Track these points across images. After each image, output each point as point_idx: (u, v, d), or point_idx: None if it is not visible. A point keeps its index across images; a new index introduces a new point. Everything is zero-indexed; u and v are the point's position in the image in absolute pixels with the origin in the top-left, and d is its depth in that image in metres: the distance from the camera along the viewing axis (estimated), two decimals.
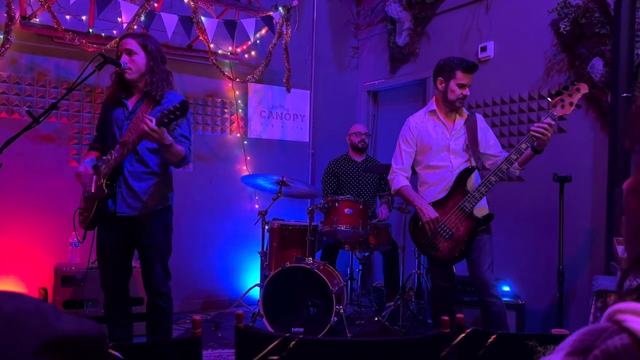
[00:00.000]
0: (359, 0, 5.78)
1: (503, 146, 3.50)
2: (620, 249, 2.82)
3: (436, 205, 2.96)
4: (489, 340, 1.46)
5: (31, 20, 3.89)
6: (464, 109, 3.09)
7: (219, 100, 4.90)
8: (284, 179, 4.04)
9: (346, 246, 4.23)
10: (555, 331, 1.60)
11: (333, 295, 3.56)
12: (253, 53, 4.98)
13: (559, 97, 2.74)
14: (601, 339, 0.53)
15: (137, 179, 2.74)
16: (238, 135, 5.00)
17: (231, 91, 4.96)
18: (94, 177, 2.75)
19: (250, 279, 4.88)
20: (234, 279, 4.93)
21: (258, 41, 4.86)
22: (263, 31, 4.74)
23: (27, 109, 3.69)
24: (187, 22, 4.13)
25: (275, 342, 1.37)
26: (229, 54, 4.80)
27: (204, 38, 4.26)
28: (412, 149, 3.12)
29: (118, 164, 2.68)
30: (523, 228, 4.04)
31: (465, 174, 2.94)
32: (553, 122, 2.72)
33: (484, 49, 4.37)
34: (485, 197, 2.94)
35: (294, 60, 4.83)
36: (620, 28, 3.25)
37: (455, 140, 3.02)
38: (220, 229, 4.88)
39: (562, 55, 3.82)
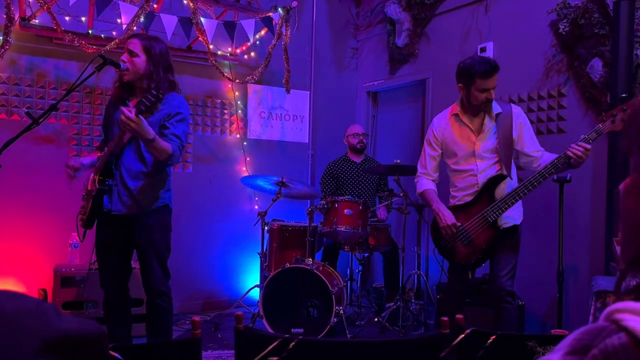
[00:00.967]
0: (358, 1, 5.78)
1: None
2: (619, 250, 2.82)
3: (460, 208, 2.89)
4: (489, 341, 1.46)
5: (30, 22, 3.89)
6: (496, 104, 2.91)
7: (219, 101, 4.90)
8: (284, 179, 4.04)
9: (346, 247, 4.23)
10: (554, 332, 1.60)
11: (333, 296, 3.56)
12: (252, 54, 4.98)
13: (611, 112, 2.56)
14: (599, 338, 0.53)
15: (134, 177, 2.72)
16: (238, 136, 5.00)
17: (231, 92, 4.96)
18: (91, 175, 2.76)
19: (250, 280, 4.88)
20: (233, 280, 4.93)
21: (257, 42, 4.86)
22: (262, 32, 4.74)
23: (26, 110, 3.70)
24: (187, 23, 4.13)
25: (275, 343, 1.37)
26: (228, 55, 4.80)
27: (203, 39, 4.26)
28: (436, 152, 3.04)
29: (108, 158, 2.66)
30: (523, 228, 4.03)
31: (495, 181, 2.82)
32: (589, 147, 2.58)
33: (483, 50, 4.37)
34: (518, 205, 2.85)
35: (293, 61, 4.84)
36: (620, 28, 3.25)
37: (483, 143, 2.88)
38: (220, 229, 4.88)
39: (561, 56, 3.82)
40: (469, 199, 2.89)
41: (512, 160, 2.90)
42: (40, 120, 2.54)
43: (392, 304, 4.13)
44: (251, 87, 5.08)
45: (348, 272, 4.66)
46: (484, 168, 2.88)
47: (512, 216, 2.87)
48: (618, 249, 2.82)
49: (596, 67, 3.53)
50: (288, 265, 3.72)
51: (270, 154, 5.20)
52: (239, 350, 1.47)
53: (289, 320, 3.63)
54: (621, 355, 0.51)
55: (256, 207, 5.00)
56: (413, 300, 4.24)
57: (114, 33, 4.16)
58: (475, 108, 2.88)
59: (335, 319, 3.58)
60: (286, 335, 1.39)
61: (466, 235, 2.85)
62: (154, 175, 2.77)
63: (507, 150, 2.84)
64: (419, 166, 3.14)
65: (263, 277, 4.18)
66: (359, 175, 4.69)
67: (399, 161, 3.93)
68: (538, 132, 3.79)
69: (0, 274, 3.91)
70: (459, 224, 2.86)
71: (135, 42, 2.70)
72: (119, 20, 4.04)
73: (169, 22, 4.04)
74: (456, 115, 2.95)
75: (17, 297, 0.63)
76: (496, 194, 2.81)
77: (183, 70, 4.67)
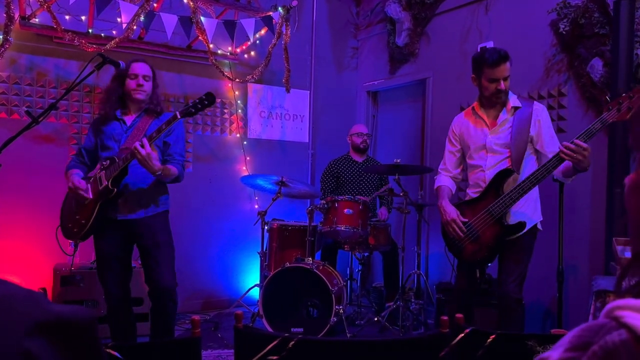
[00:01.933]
0: (358, 1, 5.78)
1: None
2: (619, 249, 2.82)
3: (467, 204, 2.85)
4: (488, 340, 1.46)
5: (30, 21, 3.89)
6: (515, 99, 2.83)
7: (219, 100, 4.89)
8: (284, 179, 4.04)
9: (346, 246, 4.23)
10: (554, 331, 1.60)
11: (333, 296, 3.56)
12: (252, 53, 4.98)
13: (617, 100, 2.44)
14: (600, 335, 0.53)
15: (142, 182, 2.82)
16: (237, 135, 5.00)
17: (231, 91, 4.96)
18: (88, 186, 2.78)
19: (250, 279, 4.88)
20: (233, 279, 4.93)
21: (257, 41, 4.85)
22: (262, 31, 4.74)
23: (26, 109, 3.70)
24: (187, 23, 4.12)
25: (275, 343, 1.37)
26: (228, 54, 4.80)
27: (203, 38, 4.26)
28: (455, 147, 3.01)
29: (125, 165, 2.72)
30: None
31: (502, 175, 2.74)
32: (585, 146, 2.44)
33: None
34: (532, 204, 2.79)
35: (293, 61, 4.83)
36: (620, 28, 3.25)
37: (495, 136, 2.82)
38: (220, 229, 4.87)
39: (561, 56, 3.82)
40: (475, 195, 2.86)
41: (526, 158, 2.79)
42: (40, 119, 2.54)
43: (391, 303, 4.13)
44: (251, 87, 5.07)
45: (348, 272, 4.66)
46: (493, 164, 2.81)
47: (523, 213, 2.77)
48: (618, 248, 2.82)
49: (596, 66, 3.53)
50: (288, 264, 3.72)
51: (270, 154, 5.19)
52: (238, 350, 1.47)
53: (288, 320, 3.63)
54: (622, 352, 0.51)
55: (256, 206, 5.00)
56: (413, 300, 4.24)
57: (114, 32, 4.16)
58: (488, 100, 2.84)
59: (335, 319, 3.58)
60: (286, 335, 1.39)
61: (473, 232, 2.79)
62: (158, 181, 2.87)
63: (520, 146, 2.75)
64: (440, 163, 3.12)
65: (263, 276, 4.18)
66: (360, 174, 4.69)
67: (398, 161, 3.92)
68: None
69: (1, 272, 3.91)
70: (465, 219, 2.80)
71: (145, 66, 2.91)
72: (119, 20, 4.04)
73: (169, 21, 4.04)
74: (473, 108, 2.94)
75: (8, 284, 0.63)
76: (504, 189, 2.74)
77: (183, 69, 4.68)
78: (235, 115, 4.99)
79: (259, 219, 4.21)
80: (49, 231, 4.06)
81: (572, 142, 2.47)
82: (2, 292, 0.61)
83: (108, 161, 2.75)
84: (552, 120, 3.82)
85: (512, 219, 2.75)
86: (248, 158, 5.01)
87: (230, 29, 4.36)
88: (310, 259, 3.85)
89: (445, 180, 3.03)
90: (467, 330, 1.49)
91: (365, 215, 4.00)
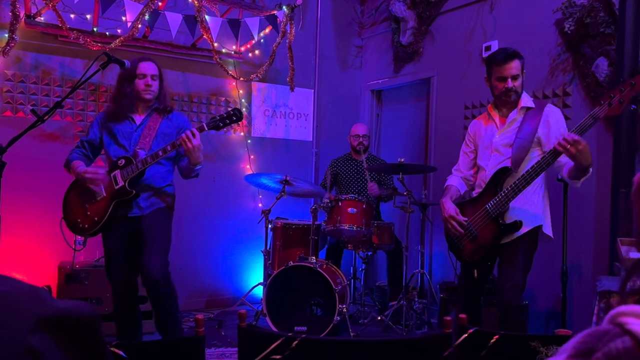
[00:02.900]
0: None
1: None
2: (624, 249, 2.81)
3: (468, 203, 2.84)
4: (492, 341, 1.46)
5: (36, 19, 3.90)
6: (528, 100, 2.79)
7: (223, 99, 4.90)
8: (288, 178, 4.04)
9: (349, 245, 4.23)
10: (558, 332, 1.59)
11: (336, 295, 3.56)
12: (257, 52, 4.98)
13: (608, 94, 2.41)
14: (603, 342, 0.53)
15: (158, 183, 2.87)
16: (242, 134, 5.01)
17: (235, 90, 4.96)
18: (105, 179, 2.78)
19: (254, 278, 4.89)
20: (237, 278, 4.94)
21: (262, 40, 4.86)
22: (267, 30, 4.74)
23: (31, 108, 3.72)
24: (191, 21, 4.13)
25: (278, 342, 1.37)
26: (232, 52, 4.80)
27: (208, 37, 4.26)
28: (469, 148, 3.00)
29: (145, 168, 2.75)
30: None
31: (500, 174, 2.72)
32: (577, 138, 2.35)
33: (488, 49, 4.36)
34: (534, 205, 2.73)
35: (297, 60, 4.83)
36: (625, 28, 3.24)
37: (502, 136, 2.79)
38: (224, 227, 4.88)
39: (566, 55, 3.81)
40: (477, 195, 2.86)
41: (530, 160, 2.71)
42: (45, 118, 2.55)
43: (395, 302, 4.13)
44: (255, 85, 5.08)
45: (351, 271, 4.66)
46: (495, 164, 2.79)
47: (522, 210, 2.71)
48: (623, 248, 2.80)
49: (601, 66, 3.52)
50: (291, 263, 3.72)
51: (274, 152, 5.20)
52: (242, 348, 1.48)
53: (292, 318, 3.64)
54: (625, 359, 0.51)
55: (260, 205, 5.00)
56: (416, 299, 4.24)
57: (118, 31, 4.17)
58: (499, 99, 2.82)
59: (338, 318, 3.58)
60: (289, 334, 1.40)
61: (471, 231, 2.77)
62: (167, 175, 2.93)
63: (523, 145, 2.71)
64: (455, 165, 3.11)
65: (266, 275, 4.18)
66: (360, 173, 4.68)
67: (402, 160, 3.92)
68: None
69: (5, 270, 3.93)
70: (464, 218, 2.77)
71: (152, 65, 2.90)
72: (123, 18, 4.05)
73: (174, 19, 4.05)
74: (488, 110, 2.93)
75: (11, 280, 0.64)
76: (502, 187, 2.71)
77: (187, 68, 4.68)
78: None
79: (262, 218, 4.22)
80: (54, 229, 4.07)
81: (566, 134, 2.41)
82: (6, 289, 0.62)
83: (123, 160, 2.75)
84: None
85: (508, 218, 2.70)
86: (252, 157, 5.02)
87: (235, 27, 4.36)
88: (313, 257, 3.85)
89: (454, 180, 3.01)
90: (471, 331, 1.49)
91: (369, 214, 4.00)
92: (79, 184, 2.83)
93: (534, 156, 2.72)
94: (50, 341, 0.60)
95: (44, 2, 3.73)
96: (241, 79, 4.76)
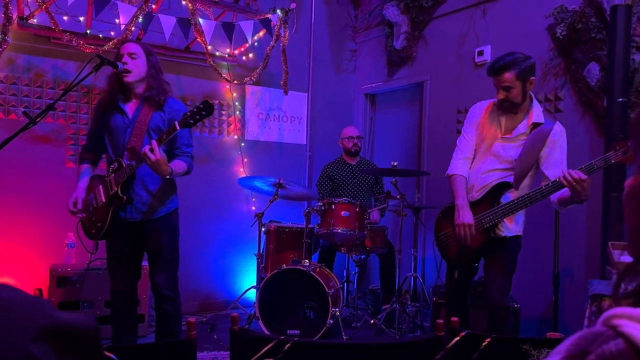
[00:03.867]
0: (356, 4, 5.79)
1: None
2: (615, 253, 2.83)
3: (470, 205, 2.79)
4: (483, 344, 1.47)
5: (29, 21, 3.89)
6: (539, 115, 2.72)
7: (217, 102, 4.89)
8: (281, 181, 4.04)
9: (342, 249, 4.23)
10: (550, 335, 1.60)
11: (329, 298, 3.56)
12: (251, 55, 4.98)
13: (626, 142, 2.35)
14: (596, 344, 0.53)
15: (152, 183, 2.78)
16: (235, 137, 5.00)
17: (228, 93, 4.96)
18: (100, 186, 2.76)
19: (247, 281, 4.88)
20: (230, 281, 4.92)
21: (256, 43, 4.86)
22: (261, 33, 4.75)
23: (23, 110, 3.70)
24: (185, 24, 4.13)
25: (270, 345, 1.37)
26: (226, 56, 4.80)
27: (201, 40, 4.26)
28: (473, 133, 2.86)
29: (132, 171, 2.68)
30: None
31: (502, 188, 2.71)
32: (585, 177, 2.36)
33: (480, 53, 4.39)
34: (519, 218, 2.75)
35: (291, 63, 4.84)
36: (617, 33, 3.27)
37: (505, 145, 2.75)
38: (217, 230, 4.87)
39: (558, 60, 3.84)
40: (475, 198, 2.81)
41: (529, 178, 2.74)
42: (38, 120, 2.54)
43: (388, 306, 4.13)
44: (249, 89, 5.08)
45: (344, 274, 4.66)
46: (486, 170, 2.77)
47: (510, 228, 2.76)
48: (614, 252, 2.82)
49: (593, 71, 3.55)
50: (284, 266, 3.72)
51: (268, 156, 5.20)
52: (234, 352, 1.47)
53: (285, 322, 3.63)
54: None
55: (253, 208, 5.00)
56: (409, 303, 4.24)
57: (112, 33, 4.16)
58: (499, 106, 2.77)
59: (331, 321, 3.58)
60: (282, 337, 1.40)
61: None
62: (167, 180, 2.84)
63: (527, 162, 2.69)
64: (454, 153, 2.94)
65: (259, 278, 4.17)
66: (354, 176, 4.69)
67: (395, 164, 3.93)
68: None
69: None
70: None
71: (134, 45, 2.77)
72: (117, 21, 4.04)
73: (167, 22, 4.04)
74: (494, 106, 2.82)
75: (13, 289, 0.64)
76: (499, 201, 2.71)
77: (181, 70, 4.68)
78: (233, 116, 4.99)
79: (256, 221, 4.21)
80: (45, 232, 4.07)
81: (574, 171, 2.40)
82: (8, 296, 0.62)
83: (116, 164, 2.71)
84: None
85: (499, 230, 2.73)
86: (245, 160, 5.01)
87: (229, 30, 4.36)
88: (307, 261, 3.85)
89: (461, 168, 2.85)
90: (463, 334, 1.49)
91: (362, 217, 4.01)
92: (90, 189, 2.82)
93: (532, 174, 2.76)
94: (49, 351, 0.60)
95: (37, 4, 3.72)
96: (235, 82, 4.76)
